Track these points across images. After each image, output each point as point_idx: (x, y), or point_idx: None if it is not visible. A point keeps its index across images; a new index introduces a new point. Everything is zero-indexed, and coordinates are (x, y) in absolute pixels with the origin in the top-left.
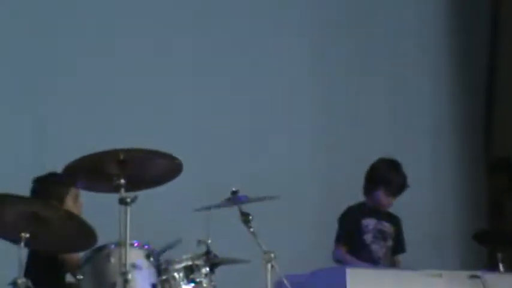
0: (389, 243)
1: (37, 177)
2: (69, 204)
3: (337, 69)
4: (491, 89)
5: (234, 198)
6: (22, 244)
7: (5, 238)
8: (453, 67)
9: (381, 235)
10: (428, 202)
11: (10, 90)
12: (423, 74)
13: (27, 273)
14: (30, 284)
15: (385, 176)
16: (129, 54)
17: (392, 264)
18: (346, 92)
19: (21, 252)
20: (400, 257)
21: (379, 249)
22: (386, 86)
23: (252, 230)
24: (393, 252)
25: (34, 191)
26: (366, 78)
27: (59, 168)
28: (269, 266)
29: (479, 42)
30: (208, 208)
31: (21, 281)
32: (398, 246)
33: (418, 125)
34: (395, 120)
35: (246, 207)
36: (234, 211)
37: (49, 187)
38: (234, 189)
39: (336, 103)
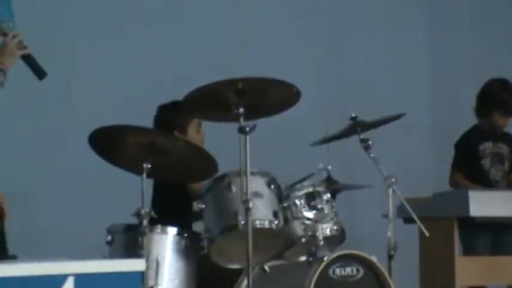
0: (506, 164)
1: (161, 106)
2: (191, 133)
3: None
4: None
5: (355, 124)
6: (144, 175)
7: (128, 169)
8: None
9: (498, 158)
10: None
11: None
12: None
13: (154, 203)
14: (153, 213)
15: (500, 96)
16: None
17: (510, 184)
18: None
19: (143, 183)
20: None
21: (496, 172)
22: None
23: (372, 155)
24: (510, 171)
25: (157, 120)
26: None
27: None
28: (390, 190)
29: None
30: (329, 139)
31: (144, 211)
32: None
33: None
34: None
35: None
36: (351, 138)
37: (172, 117)
38: (353, 115)
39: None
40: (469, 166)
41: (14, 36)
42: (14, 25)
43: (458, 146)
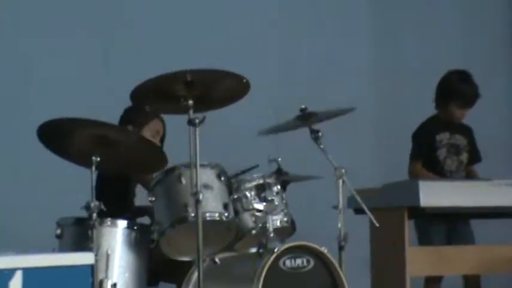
0: (463, 156)
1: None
2: (146, 134)
3: None
4: None
5: (303, 116)
6: (93, 168)
7: (77, 162)
8: None
9: (454, 149)
10: (500, 111)
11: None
12: None
13: (99, 196)
14: (102, 206)
15: (457, 88)
16: None
17: (469, 175)
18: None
19: (92, 176)
20: (476, 167)
21: (451, 163)
22: None
23: (322, 146)
24: (469, 162)
25: (120, 119)
26: None
27: (127, 91)
28: (340, 181)
29: None
30: (279, 128)
31: (94, 204)
32: (474, 157)
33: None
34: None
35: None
36: (301, 130)
37: (129, 114)
38: (303, 106)
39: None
40: (425, 156)
41: None
42: None
43: (416, 135)
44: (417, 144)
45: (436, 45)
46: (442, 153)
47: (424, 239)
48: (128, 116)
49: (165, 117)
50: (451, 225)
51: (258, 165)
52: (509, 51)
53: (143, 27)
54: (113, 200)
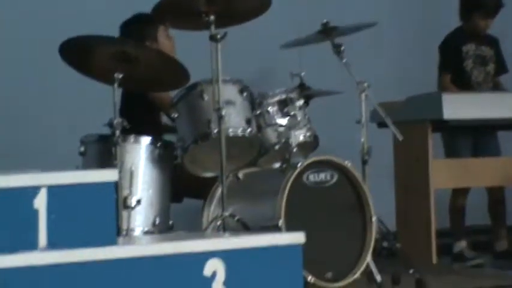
0: (490, 67)
1: (125, 21)
2: (162, 40)
3: None
4: None
5: (325, 30)
6: (116, 85)
7: (99, 80)
8: None
9: (480, 60)
10: None
11: None
12: None
13: (122, 113)
14: (126, 123)
15: None
16: None
17: (496, 86)
18: None
19: (115, 93)
20: (502, 78)
21: (478, 74)
22: None
23: (344, 60)
24: (496, 73)
25: (125, 35)
26: None
27: (147, 9)
28: (363, 95)
29: None
30: (301, 42)
31: (117, 121)
32: (500, 68)
33: None
34: None
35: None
36: (325, 45)
37: (140, 28)
38: (325, 20)
39: None
40: (453, 67)
41: None
42: None
43: (442, 48)
44: (444, 56)
45: None
46: (468, 64)
47: (450, 152)
48: (137, 32)
49: (186, 33)
50: (477, 138)
51: None
52: None
53: None
54: (137, 117)
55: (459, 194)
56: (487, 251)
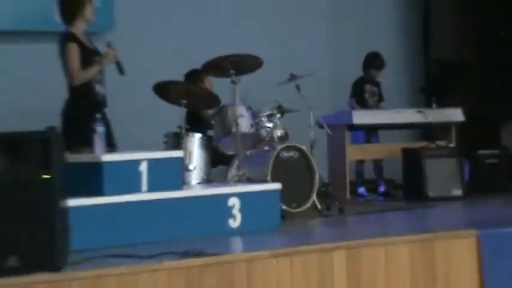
0: (376, 97)
1: (187, 73)
2: (206, 83)
3: None
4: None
5: (292, 78)
6: (182, 105)
7: (174, 103)
8: None
9: (372, 94)
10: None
11: None
12: None
13: (187, 121)
14: (188, 127)
15: (373, 60)
16: None
17: (378, 108)
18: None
19: (182, 111)
20: (382, 104)
21: (371, 101)
22: None
23: (301, 93)
24: (378, 101)
25: (187, 79)
26: None
27: (198, 65)
28: (311, 112)
29: None
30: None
31: (183, 125)
32: (381, 98)
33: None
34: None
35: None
36: (287, 88)
37: (195, 77)
38: (292, 73)
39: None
40: (358, 97)
41: (114, 56)
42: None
43: (354, 86)
44: (354, 89)
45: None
46: (367, 96)
47: (355, 139)
48: (193, 78)
49: (218, 79)
50: (369, 134)
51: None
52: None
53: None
54: (194, 123)
55: (360, 162)
56: (374, 191)
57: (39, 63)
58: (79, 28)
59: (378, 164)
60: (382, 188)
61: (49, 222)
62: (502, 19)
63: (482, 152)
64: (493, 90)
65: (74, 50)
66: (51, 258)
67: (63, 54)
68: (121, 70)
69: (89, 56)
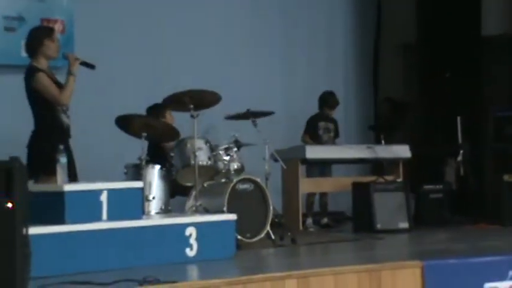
0: (331, 133)
1: (149, 107)
2: (167, 117)
3: None
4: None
5: (248, 114)
6: (143, 138)
7: (135, 136)
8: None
9: (327, 130)
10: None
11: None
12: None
13: (148, 152)
14: (148, 159)
15: (327, 100)
16: None
17: (334, 144)
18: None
19: (143, 143)
20: (337, 140)
21: (326, 137)
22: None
23: (257, 128)
24: (334, 137)
25: (149, 113)
26: None
27: (159, 100)
28: (266, 146)
29: None
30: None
31: (144, 157)
32: (336, 135)
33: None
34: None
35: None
36: (244, 123)
37: (155, 111)
38: (248, 108)
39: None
40: (312, 133)
41: (75, 59)
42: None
43: (308, 122)
44: (308, 126)
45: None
46: (321, 132)
47: (308, 175)
48: (154, 111)
49: (178, 113)
50: (323, 168)
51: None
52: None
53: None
54: (153, 155)
55: (311, 194)
56: (318, 223)
57: (4, 95)
58: (42, 63)
59: (323, 197)
60: (324, 221)
61: (10, 250)
62: (447, 60)
63: (427, 187)
64: (437, 128)
65: (44, 78)
66: (11, 285)
67: (34, 87)
68: (89, 66)
69: (57, 85)
